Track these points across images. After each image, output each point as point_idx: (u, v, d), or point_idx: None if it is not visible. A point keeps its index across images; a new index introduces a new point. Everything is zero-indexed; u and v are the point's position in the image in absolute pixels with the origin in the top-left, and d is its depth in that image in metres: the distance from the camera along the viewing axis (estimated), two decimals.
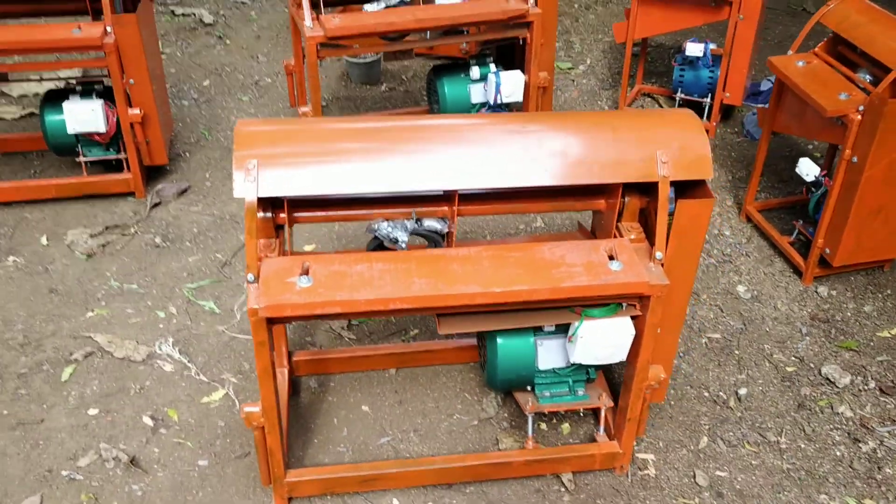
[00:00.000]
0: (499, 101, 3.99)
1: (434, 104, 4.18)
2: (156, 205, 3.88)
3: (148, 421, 2.74)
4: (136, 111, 3.68)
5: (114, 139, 3.82)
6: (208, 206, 3.89)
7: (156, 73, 3.90)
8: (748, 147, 4.42)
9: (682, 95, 4.53)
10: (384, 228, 2.27)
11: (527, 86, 3.92)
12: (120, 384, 2.88)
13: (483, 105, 4.09)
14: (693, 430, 2.76)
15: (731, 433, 2.75)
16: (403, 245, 2.28)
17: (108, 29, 3.48)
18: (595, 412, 2.74)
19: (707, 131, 4.51)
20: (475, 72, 3.94)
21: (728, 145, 4.45)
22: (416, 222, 2.30)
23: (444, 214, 2.32)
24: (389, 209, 2.30)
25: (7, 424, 2.70)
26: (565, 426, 2.75)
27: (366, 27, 3.49)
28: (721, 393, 2.91)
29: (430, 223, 2.31)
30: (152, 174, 4.02)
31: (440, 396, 2.86)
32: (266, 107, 4.74)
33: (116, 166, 3.93)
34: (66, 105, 3.61)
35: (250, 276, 2.11)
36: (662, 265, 2.22)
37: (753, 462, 2.65)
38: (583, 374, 2.56)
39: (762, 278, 3.47)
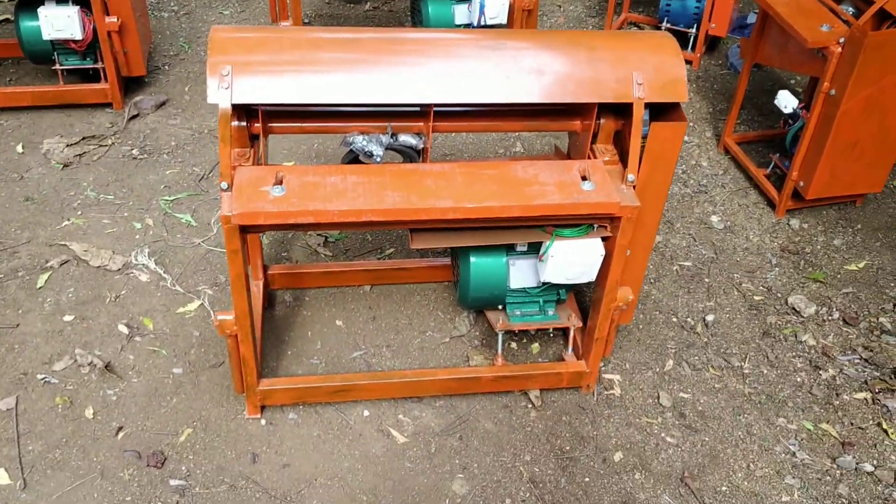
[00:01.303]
0: (483, 23, 3.95)
1: (418, 24, 4.13)
2: (133, 117, 3.84)
3: (123, 329, 2.76)
4: (114, 19, 3.61)
5: (91, 48, 3.75)
6: (187, 119, 3.86)
7: None
8: (731, 79, 4.41)
9: (668, 25, 4.49)
10: (359, 142, 2.27)
11: (512, 7, 3.88)
12: (95, 292, 2.89)
13: (467, 26, 4.05)
14: (659, 354, 2.82)
15: (697, 357, 2.82)
16: (378, 159, 2.28)
17: None
18: (564, 332, 2.80)
19: (691, 62, 4.49)
20: None
21: (711, 77, 4.44)
22: (392, 137, 2.29)
23: (419, 130, 2.31)
24: (365, 123, 2.29)
25: None
26: (535, 346, 2.81)
27: None
28: (689, 319, 2.97)
29: (406, 138, 2.31)
30: (130, 86, 3.97)
31: (413, 314, 2.90)
32: (247, 21, 4.65)
33: (93, 76, 3.87)
34: (41, 10, 3.53)
35: (223, 184, 2.11)
36: (634, 187, 2.24)
37: (716, 385, 2.73)
38: (553, 294, 2.60)
39: (736, 209, 3.50)
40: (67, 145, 3.60)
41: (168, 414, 2.51)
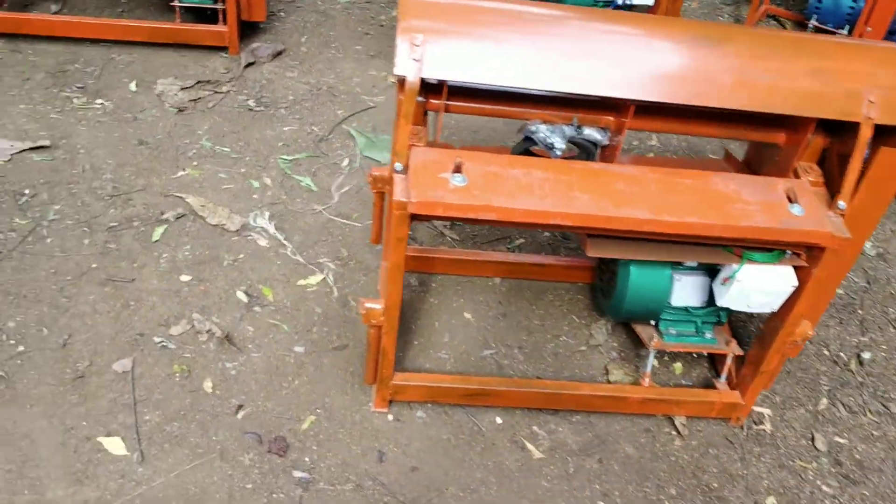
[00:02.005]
0: (627, 2, 3.68)
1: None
2: (249, 64, 3.65)
3: (242, 296, 2.60)
4: None
5: None
6: (304, 73, 3.65)
7: None
8: None
9: (816, 23, 4.18)
10: (542, 131, 2.05)
11: None
12: (213, 253, 2.72)
13: (606, 5, 3.78)
14: (812, 390, 2.59)
15: (852, 398, 2.59)
16: (558, 152, 2.06)
17: None
18: (711, 356, 2.58)
19: None
20: None
21: None
22: (577, 129, 2.07)
23: (607, 124, 2.09)
24: (550, 110, 2.07)
25: (97, 279, 2.57)
26: (677, 365, 2.60)
27: None
28: (842, 353, 2.73)
29: (591, 132, 2.08)
30: (246, 31, 3.77)
31: (546, 315, 2.70)
32: None
33: (211, 17, 3.67)
34: None
35: (398, 165, 1.91)
36: (843, 216, 2.00)
37: (874, 433, 2.50)
38: (714, 316, 2.38)
39: (889, 235, 3.23)
40: (182, 88, 3.42)
41: (290, 396, 2.34)
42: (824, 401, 2.56)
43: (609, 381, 2.51)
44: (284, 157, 3.16)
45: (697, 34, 1.98)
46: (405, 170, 1.91)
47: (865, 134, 1.93)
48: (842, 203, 1.99)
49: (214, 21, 3.64)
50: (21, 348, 2.34)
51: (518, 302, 2.73)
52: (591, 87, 1.89)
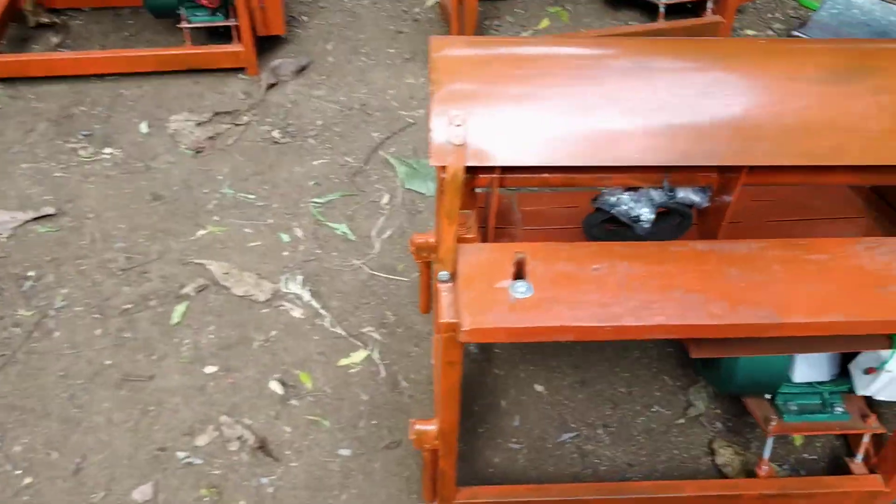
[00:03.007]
0: None
1: None
2: (271, 85, 3.24)
3: (276, 387, 2.24)
4: None
5: (221, 3, 3.15)
6: (332, 89, 3.24)
7: None
8: None
9: None
10: (625, 202, 1.60)
11: None
12: (241, 332, 2.36)
13: None
14: None
15: None
16: (646, 224, 1.62)
17: None
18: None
19: None
20: None
21: None
22: (668, 193, 1.62)
23: (709, 182, 1.63)
24: (632, 174, 1.62)
25: (112, 380, 2.24)
26: (797, 437, 2.16)
27: None
28: None
29: (686, 194, 1.63)
30: (265, 46, 3.36)
31: (633, 379, 2.28)
32: None
33: (224, 36, 3.27)
34: None
35: (443, 274, 1.49)
36: None
37: None
38: (845, 384, 1.93)
39: None
40: (197, 124, 3.05)
41: None
42: None
43: (716, 464, 2.09)
44: (316, 200, 2.76)
45: (825, 64, 1.49)
46: (452, 278, 1.49)
47: None
48: None
49: (228, 40, 3.24)
50: (28, 480, 2.03)
51: (598, 364, 2.31)
52: (690, 157, 1.43)
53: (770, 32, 3.52)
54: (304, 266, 2.55)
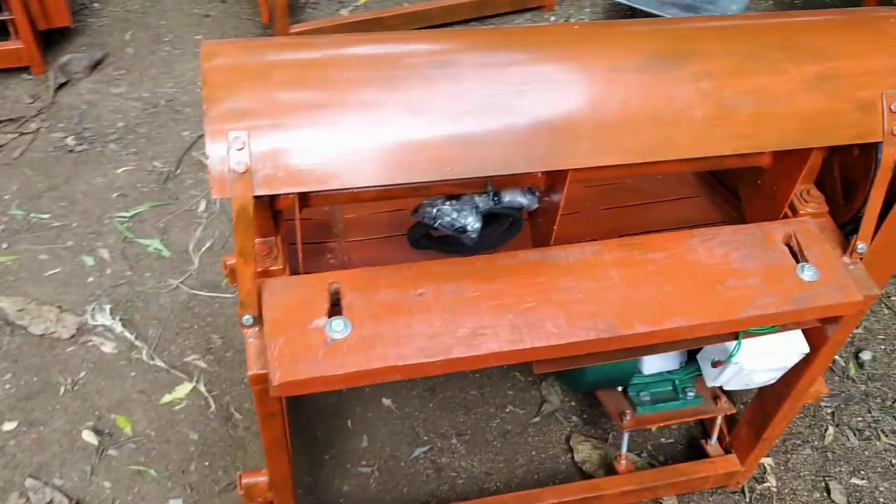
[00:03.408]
0: None
1: None
2: (62, 85, 2.88)
3: (90, 437, 1.97)
4: None
5: None
6: (134, 85, 2.91)
7: None
8: None
9: None
10: (447, 214, 1.45)
11: None
12: (43, 378, 2.08)
13: None
14: (814, 417, 2.14)
15: (860, 418, 2.15)
16: (474, 235, 1.47)
17: None
18: None
19: None
20: None
21: None
22: (493, 198, 1.47)
23: (536, 183, 1.49)
24: (451, 184, 1.46)
25: None
26: None
27: None
28: (838, 357, 2.28)
29: (513, 197, 1.49)
30: (51, 39, 2.99)
31: (484, 380, 2.16)
32: None
33: (0, 31, 2.88)
34: None
35: (247, 318, 1.29)
36: (861, 259, 1.49)
37: (893, 461, 2.08)
38: (696, 369, 1.88)
39: None
40: None
41: None
42: (831, 430, 2.12)
43: (574, 462, 2.01)
44: (123, 214, 2.47)
45: (643, 50, 1.37)
46: (258, 321, 1.30)
47: (891, 156, 1.39)
48: (862, 246, 1.46)
49: (6, 37, 2.84)
50: None
51: None
52: (510, 165, 1.28)
53: None
54: (112, 292, 2.27)
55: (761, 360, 1.56)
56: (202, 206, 2.51)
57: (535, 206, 1.51)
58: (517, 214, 1.53)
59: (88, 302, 2.24)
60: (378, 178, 1.24)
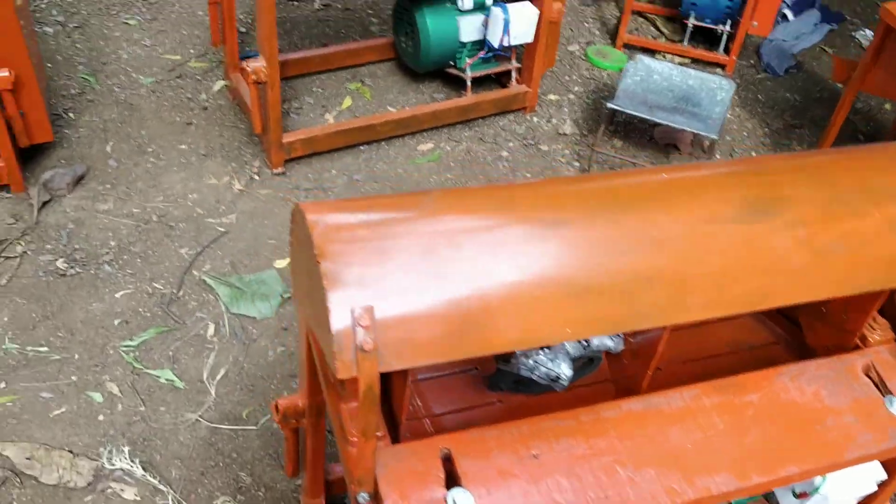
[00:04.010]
0: (506, 44, 3.10)
1: (406, 37, 3.20)
2: (45, 203, 2.75)
3: None
4: (6, 73, 2.51)
5: None
6: (121, 200, 2.81)
7: (22, 8, 2.68)
8: (774, 86, 3.74)
9: (695, 21, 3.74)
10: (543, 364, 1.42)
11: (539, 21, 3.09)
12: None
13: (478, 46, 3.17)
14: None
15: None
16: (566, 383, 1.45)
17: None
18: None
19: (724, 66, 3.78)
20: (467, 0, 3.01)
21: (750, 84, 3.75)
22: (583, 343, 1.46)
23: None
24: None
25: None
26: None
27: None
28: None
29: (601, 340, 1.48)
30: (30, 156, 2.86)
31: None
32: (166, 35, 3.55)
33: None
34: None
35: (363, 496, 1.23)
36: None
37: None
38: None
39: None
40: None
41: None
42: None
43: None
44: (127, 343, 2.35)
45: (736, 201, 1.39)
46: (374, 497, 1.23)
47: None
48: None
49: None
50: None
51: None
52: (621, 325, 1.27)
53: (571, 97, 3.53)
54: (127, 431, 2.14)
55: (845, 490, 1.57)
56: (211, 330, 2.41)
57: (621, 348, 1.50)
58: (598, 355, 1.51)
59: (102, 443, 2.10)
60: (505, 344, 1.21)
